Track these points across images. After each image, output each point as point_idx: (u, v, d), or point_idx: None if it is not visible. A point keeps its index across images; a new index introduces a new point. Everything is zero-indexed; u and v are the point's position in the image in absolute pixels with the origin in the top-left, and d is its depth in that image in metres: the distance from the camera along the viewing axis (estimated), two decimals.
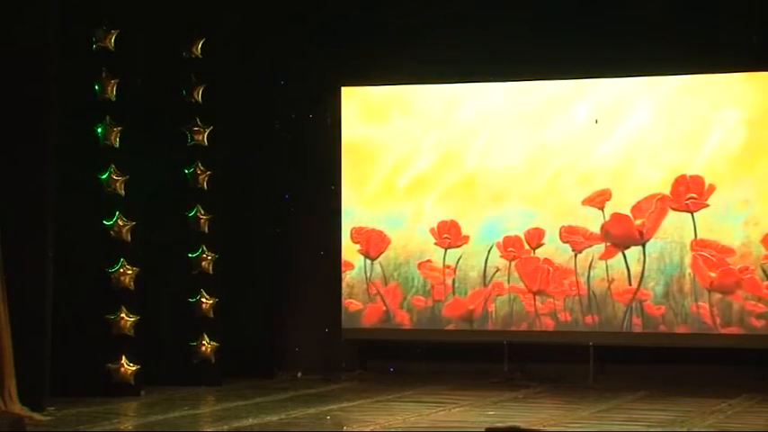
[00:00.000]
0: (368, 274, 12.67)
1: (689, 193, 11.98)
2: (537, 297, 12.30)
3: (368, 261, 12.68)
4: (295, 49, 12.60)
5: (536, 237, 12.41)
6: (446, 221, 12.69)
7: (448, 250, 12.67)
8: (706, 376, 11.57)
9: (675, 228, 12.00)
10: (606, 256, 12.14)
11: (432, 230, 12.70)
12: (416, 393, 11.00)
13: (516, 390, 11.23)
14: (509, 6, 12.04)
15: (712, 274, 11.89)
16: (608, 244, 12.20)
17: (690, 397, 10.62)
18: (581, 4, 11.94)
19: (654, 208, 12.15)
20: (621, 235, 12.18)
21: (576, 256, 12.22)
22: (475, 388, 11.29)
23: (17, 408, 9.14)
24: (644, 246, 12.18)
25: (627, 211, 12.12)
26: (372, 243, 12.69)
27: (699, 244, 11.91)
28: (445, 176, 12.63)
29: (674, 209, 12.04)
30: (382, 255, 12.67)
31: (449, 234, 12.72)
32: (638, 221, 12.18)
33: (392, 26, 12.33)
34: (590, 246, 12.22)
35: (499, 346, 12.04)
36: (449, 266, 12.60)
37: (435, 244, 12.70)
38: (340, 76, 12.53)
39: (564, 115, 12.24)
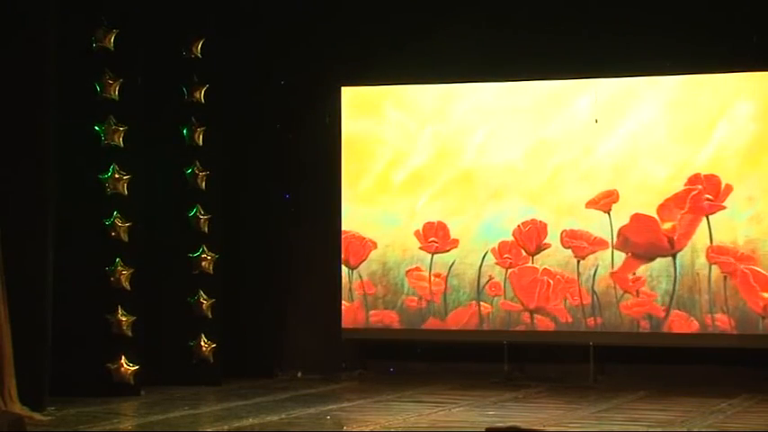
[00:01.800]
0: (351, 279, 12.38)
1: (704, 195, 11.37)
2: (535, 315, 11.83)
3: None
4: (295, 49, 12.60)
5: (535, 237, 11.85)
6: (432, 223, 12.19)
7: (435, 256, 12.12)
8: (706, 376, 11.56)
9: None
10: (626, 270, 11.40)
11: (416, 233, 12.24)
12: (416, 393, 10.99)
13: (516, 390, 11.23)
14: (510, 6, 12.03)
15: (766, 296, 11.18)
16: (628, 254, 11.41)
17: (690, 397, 10.61)
18: (581, 4, 11.93)
19: (687, 208, 11.23)
20: (645, 243, 11.27)
21: (578, 263, 11.77)
22: (475, 388, 11.28)
23: (17, 408, 9.14)
24: (674, 257, 11.22)
25: (634, 213, 11.38)
26: (352, 251, 12.39)
27: (715, 251, 11.37)
28: (439, 175, 12.23)
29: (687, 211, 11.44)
30: (367, 260, 12.31)
31: (436, 237, 12.14)
32: (667, 225, 11.19)
33: (392, 26, 12.32)
34: (594, 252, 11.68)
35: (499, 346, 12.02)
36: (438, 275, 12.10)
37: (420, 248, 12.20)
38: (340, 76, 12.53)
39: (565, 112, 11.97)
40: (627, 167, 11.76)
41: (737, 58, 11.48)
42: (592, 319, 11.82)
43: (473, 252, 12.16)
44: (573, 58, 11.83)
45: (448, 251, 12.19)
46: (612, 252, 11.67)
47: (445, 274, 12.17)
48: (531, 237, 12.00)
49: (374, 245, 12.40)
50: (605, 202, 11.69)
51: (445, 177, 12.31)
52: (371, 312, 12.42)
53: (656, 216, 11.36)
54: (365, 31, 12.41)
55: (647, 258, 11.30)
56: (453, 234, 12.22)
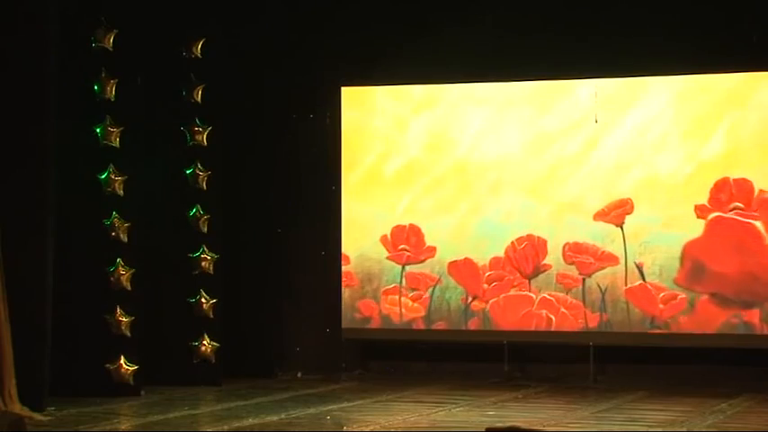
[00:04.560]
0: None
1: (733, 202, 10.21)
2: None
3: None
4: (295, 49, 12.61)
5: (532, 257, 10.88)
6: (403, 227, 11.01)
7: (406, 267, 10.94)
8: (706, 376, 11.54)
9: None
10: (702, 321, 9.61)
11: (383, 239, 11.13)
12: (416, 393, 10.98)
13: (516, 390, 11.22)
14: (510, 7, 12.03)
15: None
16: (704, 295, 9.48)
17: (690, 397, 10.60)
18: (582, 5, 11.92)
19: None
20: (740, 275, 9.04)
21: (583, 280, 10.91)
22: (475, 388, 11.28)
23: (17, 408, 9.13)
24: None
25: (714, 218, 9.85)
26: None
27: None
28: (425, 171, 11.50)
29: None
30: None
31: (407, 244, 10.91)
32: None
33: (392, 26, 12.32)
34: (602, 269, 10.75)
35: (499, 346, 12.00)
36: (419, 296, 11.07)
37: (388, 258, 11.06)
38: (340, 76, 12.53)
39: (565, 106, 11.65)
40: (636, 168, 10.93)
41: (737, 59, 11.46)
42: (597, 316, 11.29)
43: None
44: (573, 59, 11.81)
45: (422, 261, 11.20)
46: (626, 270, 10.77)
47: (426, 295, 11.29)
48: (527, 256, 11.14)
49: (344, 260, 11.94)
50: (617, 213, 10.75)
51: (432, 174, 11.58)
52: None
53: (752, 221, 9.35)
54: (365, 32, 12.41)
55: (741, 303, 9.11)
56: (430, 240, 11.25)
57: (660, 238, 10.87)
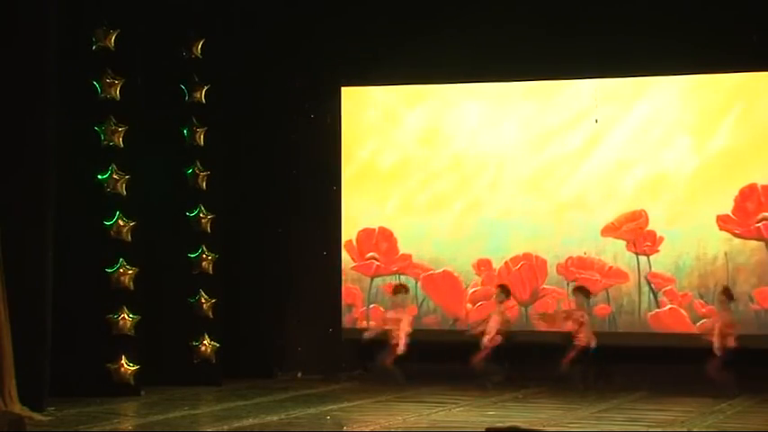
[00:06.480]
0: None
1: (761, 212, 9.48)
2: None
3: None
4: (295, 49, 12.61)
5: (529, 280, 10.22)
6: (371, 230, 10.24)
7: (375, 281, 10.03)
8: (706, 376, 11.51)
9: (735, 253, 9.43)
10: None
11: (348, 245, 10.34)
12: (416, 393, 10.99)
13: (516, 390, 11.22)
14: (510, 7, 12.03)
15: None
16: None
17: (690, 397, 10.60)
18: (582, 6, 11.92)
19: None
20: None
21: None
22: (475, 388, 11.27)
23: (17, 408, 9.14)
24: None
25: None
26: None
27: None
28: (413, 176, 11.21)
29: (737, 235, 9.44)
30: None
31: (377, 251, 10.09)
32: None
33: (392, 27, 12.33)
34: (609, 286, 10.26)
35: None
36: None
37: (353, 268, 10.20)
38: (340, 76, 12.53)
39: (571, 109, 11.46)
40: (638, 166, 10.45)
41: (737, 58, 11.46)
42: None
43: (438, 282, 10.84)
44: (573, 59, 11.81)
45: (395, 272, 10.34)
46: (639, 289, 10.35)
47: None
48: (522, 279, 10.44)
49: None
50: (630, 227, 10.17)
51: (427, 170, 11.15)
52: None
53: None
54: (365, 33, 12.42)
55: None
56: (403, 247, 10.45)
57: (664, 235, 10.60)
